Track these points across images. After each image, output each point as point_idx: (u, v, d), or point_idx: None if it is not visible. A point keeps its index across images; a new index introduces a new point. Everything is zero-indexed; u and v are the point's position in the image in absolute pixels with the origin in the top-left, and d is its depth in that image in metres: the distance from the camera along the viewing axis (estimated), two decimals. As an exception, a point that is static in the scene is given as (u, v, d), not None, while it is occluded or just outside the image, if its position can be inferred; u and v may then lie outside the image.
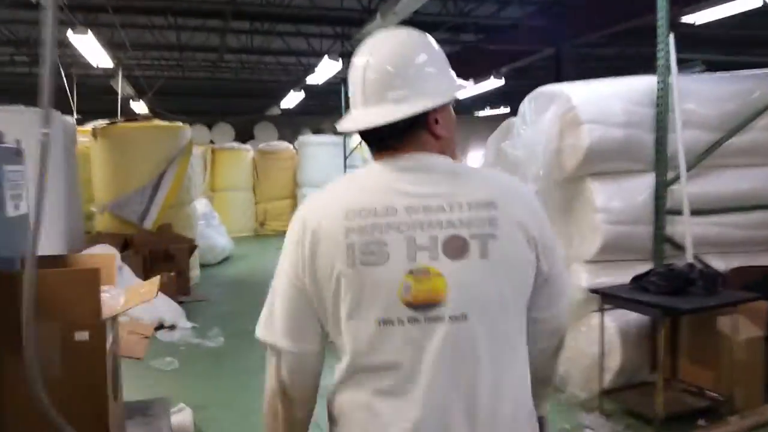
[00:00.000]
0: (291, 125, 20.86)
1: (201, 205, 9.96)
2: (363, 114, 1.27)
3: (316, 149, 13.37)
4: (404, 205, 1.19)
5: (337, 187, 1.30)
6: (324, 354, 1.30)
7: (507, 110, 20.17)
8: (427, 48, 1.29)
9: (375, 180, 1.25)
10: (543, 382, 1.41)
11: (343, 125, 1.31)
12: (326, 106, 20.16)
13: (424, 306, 1.16)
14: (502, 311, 1.20)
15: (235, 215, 13.47)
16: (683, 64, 4.24)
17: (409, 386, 1.17)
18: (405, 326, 1.16)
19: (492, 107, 20.06)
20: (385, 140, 1.27)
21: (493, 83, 12.64)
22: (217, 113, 21.35)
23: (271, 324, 1.28)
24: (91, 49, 9.44)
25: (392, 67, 1.24)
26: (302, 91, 14.75)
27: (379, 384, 1.19)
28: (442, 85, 1.28)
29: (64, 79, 10.02)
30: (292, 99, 15.99)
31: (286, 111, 19.08)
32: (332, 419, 1.29)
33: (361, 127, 1.27)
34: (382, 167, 1.26)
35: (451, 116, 1.34)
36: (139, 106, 15.44)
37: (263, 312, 1.30)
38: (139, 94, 15.22)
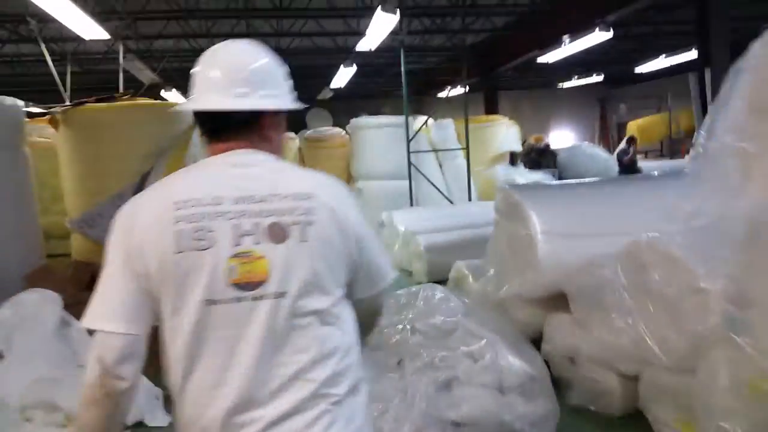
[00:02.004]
0: (347, 110, 18.34)
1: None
2: (207, 99, 1.44)
3: (373, 133, 10.77)
4: (231, 196, 1.34)
5: (168, 181, 1.42)
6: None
7: (599, 78, 17.06)
8: (272, 61, 1.49)
9: (206, 173, 1.42)
10: (368, 340, 1.70)
11: (188, 105, 1.49)
12: (386, 86, 17.69)
13: (248, 285, 1.30)
14: (319, 288, 1.35)
15: (279, 218, 11.14)
16: None
17: (235, 359, 1.29)
18: (230, 305, 1.30)
19: (580, 76, 16.95)
20: (219, 131, 1.45)
21: (598, 37, 9.74)
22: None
23: (102, 311, 1.34)
24: (70, 16, 7.28)
25: (245, 67, 1.44)
26: (354, 65, 12.28)
27: (207, 359, 1.30)
28: (280, 95, 1.49)
29: (48, 58, 7.83)
30: (344, 76, 13.53)
31: (338, 93, 16.64)
32: (174, 397, 1.36)
33: (205, 108, 1.44)
34: (213, 162, 1.43)
35: (283, 124, 1.53)
36: (173, 98, 13.42)
37: (93, 300, 1.35)
38: (167, 82, 13.10)
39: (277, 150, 1.47)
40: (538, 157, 12.17)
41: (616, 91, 20.86)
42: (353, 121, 11.25)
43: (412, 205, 9.97)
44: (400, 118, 10.58)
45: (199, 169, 1.42)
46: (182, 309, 1.29)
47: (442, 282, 6.38)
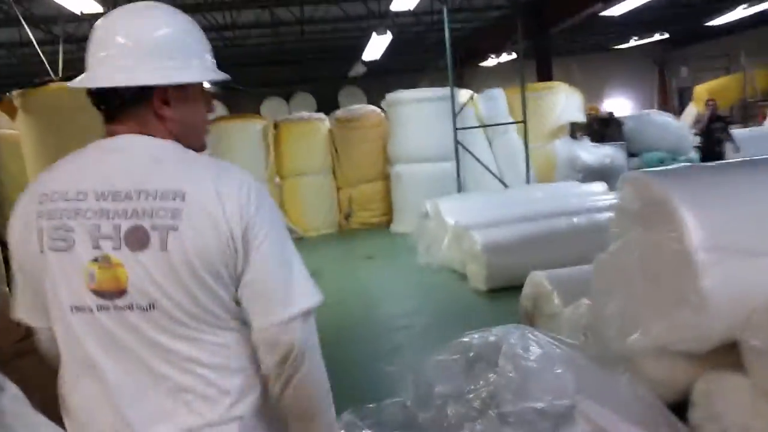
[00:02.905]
0: (381, 87, 16.98)
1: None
2: (90, 75, 1.22)
3: (412, 109, 9.41)
4: (95, 191, 1.16)
5: (48, 169, 1.27)
6: None
7: (662, 36, 15.25)
8: (173, 28, 1.23)
9: (80, 161, 1.22)
10: (298, 417, 1.23)
11: (74, 81, 1.25)
12: (421, 59, 16.27)
13: (110, 294, 1.15)
14: (184, 306, 1.15)
15: (312, 207, 10.05)
16: None
17: (100, 372, 1.16)
18: (95, 313, 1.16)
19: (639, 36, 15.18)
20: (106, 110, 1.22)
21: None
22: (294, 82, 18.12)
23: (16, 299, 1.31)
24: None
25: (130, 36, 1.20)
26: (387, 32, 10.90)
27: (79, 370, 1.19)
28: (187, 66, 1.22)
29: (32, 38, 6.71)
30: (377, 47, 12.17)
31: (372, 67, 15.28)
32: (63, 407, 1.26)
33: (82, 85, 1.22)
34: (93, 147, 1.24)
35: (196, 101, 1.26)
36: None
37: None
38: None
39: (183, 133, 1.23)
40: (601, 128, 10.67)
41: (677, 53, 18.92)
42: (389, 96, 9.92)
43: (459, 190, 8.65)
44: (442, 91, 9.21)
45: (76, 156, 1.23)
46: (57, 314, 1.19)
47: (507, 291, 5.10)
